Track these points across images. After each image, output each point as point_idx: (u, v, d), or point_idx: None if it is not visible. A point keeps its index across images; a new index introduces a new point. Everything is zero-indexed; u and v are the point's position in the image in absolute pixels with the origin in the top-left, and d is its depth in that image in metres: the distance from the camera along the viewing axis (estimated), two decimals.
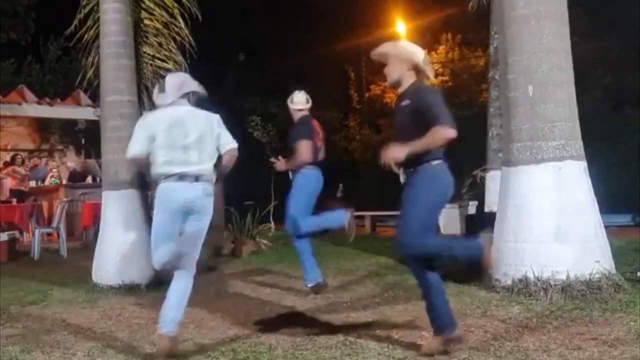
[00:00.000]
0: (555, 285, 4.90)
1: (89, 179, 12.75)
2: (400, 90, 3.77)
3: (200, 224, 4.00)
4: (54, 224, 9.94)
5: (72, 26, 7.56)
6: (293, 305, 5.26)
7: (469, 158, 9.88)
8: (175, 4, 7.58)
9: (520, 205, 5.25)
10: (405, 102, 3.68)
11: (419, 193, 3.61)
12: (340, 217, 5.62)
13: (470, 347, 3.71)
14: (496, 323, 4.25)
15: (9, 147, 13.90)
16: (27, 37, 15.83)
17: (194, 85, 4.16)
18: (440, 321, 3.63)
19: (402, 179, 3.73)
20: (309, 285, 5.76)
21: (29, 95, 12.35)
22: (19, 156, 13.05)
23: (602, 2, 12.27)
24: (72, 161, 13.68)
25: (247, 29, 18.97)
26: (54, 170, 13.33)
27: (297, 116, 5.97)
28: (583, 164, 5.32)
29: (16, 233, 10.04)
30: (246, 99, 16.38)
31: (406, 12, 18.57)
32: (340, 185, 16.02)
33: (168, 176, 3.94)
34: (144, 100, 7.36)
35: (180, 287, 3.90)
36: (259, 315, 4.91)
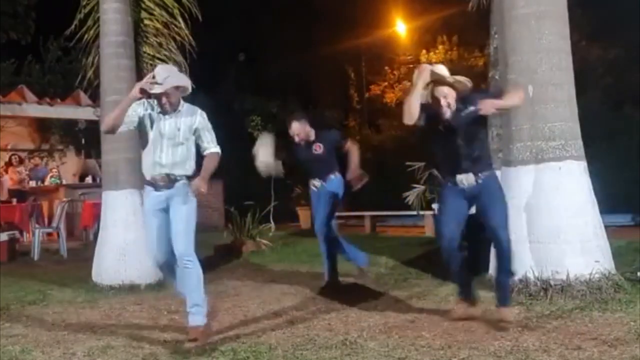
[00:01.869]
0: (555, 285, 4.91)
1: (89, 179, 12.75)
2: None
3: None
4: (54, 224, 9.94)
5: (72, 26, 7.56)
6: (293, 305, 5.26)
7: None
8: (175, 4, 7.58)
9: (520, 206, 5.25)
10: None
11: (503, 196, 4.26)
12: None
13: (470, 347, 3.72)
14: (496, 323, 4.25)
15: (9, 147, 13.89)
16: (27, 37, 15.79)
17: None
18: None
19: (465, 184, 4.16)
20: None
21: (29, 95, 12.32)
22: (15, 156, 13.05)
23: (602, 3, 12.26)
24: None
25: (247, 29, 18.95)
26: (54, 170, 13.32)
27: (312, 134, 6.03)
28: (583, 164, 5.32)
29: (16, 233, 10.04)
30: (246, 99, 16.35)
31: (406, 12, 18.56)
32: None
33: None
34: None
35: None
36: (259, 315, 4.91)
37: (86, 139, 14.22)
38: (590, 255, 5.04)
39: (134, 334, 4.44)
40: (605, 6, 12.44)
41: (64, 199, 10.63)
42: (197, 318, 4.12)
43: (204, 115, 4.24)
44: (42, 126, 14.65)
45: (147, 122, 4.14)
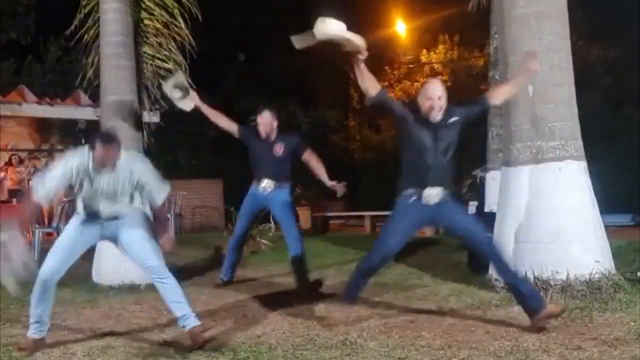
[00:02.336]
0: (555, 285, 4.91)
1: None
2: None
3: None
4: (54, 224, 9.93)
5: (72, 26, 7.55)
6: (293, 305, 5.25)
7: (469, 158, 9.88)
8: (175, 4, 7.57)
9: (520, 205, 5.26)
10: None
11: (465, 209, 4.39)
12: None
13: (470, 347, 3.72)
14: (496, 323, 4.25)
15: (9, 147, 13.90)
16: (27, 37, 15.80)
17: None
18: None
19: (432, 199, 4.07)
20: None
21: (29, 95, 12.32)
22: (15, 156, 13.05)
23: (602, 3, 12.26)
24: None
25: (247, 29, 18.95)
26: None
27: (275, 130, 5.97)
28: (583, 164, 5.32)
29: None
30: (246, 99, 16.34)
31: (406, 12, 18.56)
32: None
33: None
34: (144, 100, 7.36)
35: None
36: (259, 315, 4.91)
37: (86, 139, 14.21)
38: (590, 255, 5.04)
39: (134, 334, 4.44)
40: (605, 6, 12.44)
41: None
42: (190, 321, 4.04)
43: (145, 161, 4.20)
44: (42, 126, 14.66)
45: (82, 179, 4.14)
